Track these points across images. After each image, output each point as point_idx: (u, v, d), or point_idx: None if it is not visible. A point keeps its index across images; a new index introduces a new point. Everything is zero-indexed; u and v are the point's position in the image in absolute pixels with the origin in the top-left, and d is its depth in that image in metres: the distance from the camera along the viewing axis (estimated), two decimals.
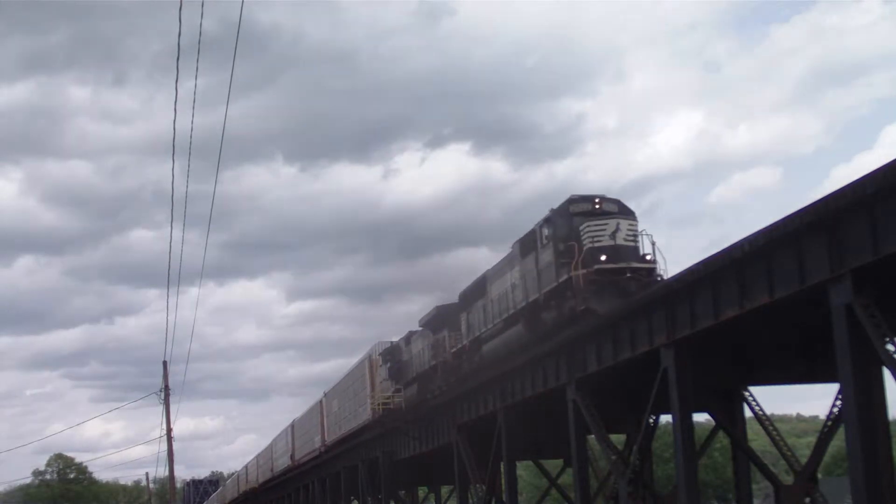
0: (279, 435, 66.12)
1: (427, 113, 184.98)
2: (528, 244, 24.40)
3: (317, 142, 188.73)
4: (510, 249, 25.94)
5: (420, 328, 34.52)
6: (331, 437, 48.55)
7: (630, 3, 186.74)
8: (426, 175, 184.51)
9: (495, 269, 27.09)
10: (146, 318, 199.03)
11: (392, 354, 37.59)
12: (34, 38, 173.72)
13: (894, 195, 12.35)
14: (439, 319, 31.68)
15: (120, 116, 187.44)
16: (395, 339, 38.56)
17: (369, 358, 41.45)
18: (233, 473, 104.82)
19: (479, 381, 26.45)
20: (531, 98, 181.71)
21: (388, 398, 36.61)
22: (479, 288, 28.28)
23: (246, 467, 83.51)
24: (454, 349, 30.00)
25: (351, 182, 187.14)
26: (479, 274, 28.97)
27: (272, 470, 67.14)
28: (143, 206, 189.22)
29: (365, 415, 40.27)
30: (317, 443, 51.99)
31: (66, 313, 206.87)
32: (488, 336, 27.15)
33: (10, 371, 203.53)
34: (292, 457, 59.23)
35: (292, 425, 60.69)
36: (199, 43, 16.34)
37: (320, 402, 51.67)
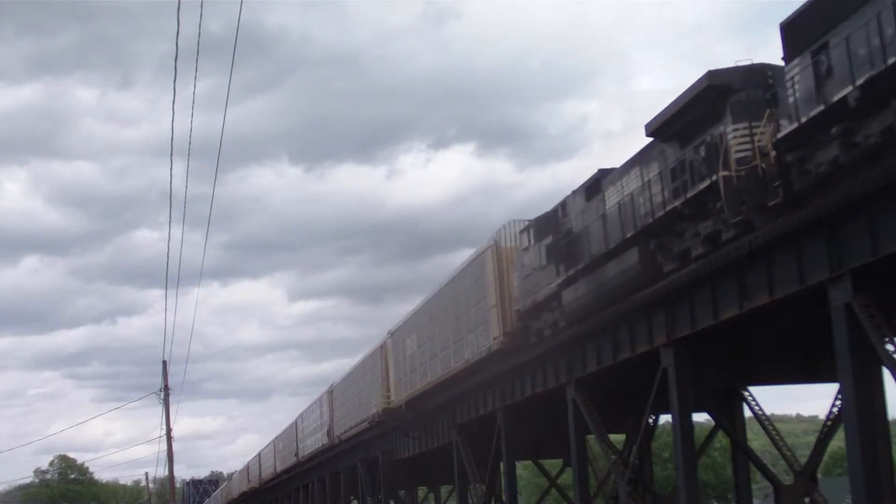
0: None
1: (432, 114, 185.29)
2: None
3: (322, 143, 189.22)
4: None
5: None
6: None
7: (635, 6, 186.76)
8: (430, 176, 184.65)
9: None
10: (149, 318, 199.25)
11: (549, 226, 22.73)
12: (42, 40, 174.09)
13: (894, 195, 12.34)
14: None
15: (126, 118, 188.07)
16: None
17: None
18: (233, 473, 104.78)
19: (478, 380, 26.43)
20: (536, 99, 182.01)
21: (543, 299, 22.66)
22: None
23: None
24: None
25: (355, 183, 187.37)
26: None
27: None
28: (147, 207, 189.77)
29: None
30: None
31: (69, 313, 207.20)
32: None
33: (12, 371, 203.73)
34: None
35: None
36: (198, 44, 16.31)
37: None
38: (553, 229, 22.32)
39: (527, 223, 23.97)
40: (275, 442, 65.72)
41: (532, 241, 23.14)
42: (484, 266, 25.58)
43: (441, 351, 29.00)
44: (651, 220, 17.65)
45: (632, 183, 18.53)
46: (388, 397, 35.37)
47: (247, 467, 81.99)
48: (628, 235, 18.37)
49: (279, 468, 62.94)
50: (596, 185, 20.45)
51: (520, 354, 23.74)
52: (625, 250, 18.46)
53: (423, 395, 31.12)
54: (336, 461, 46.61)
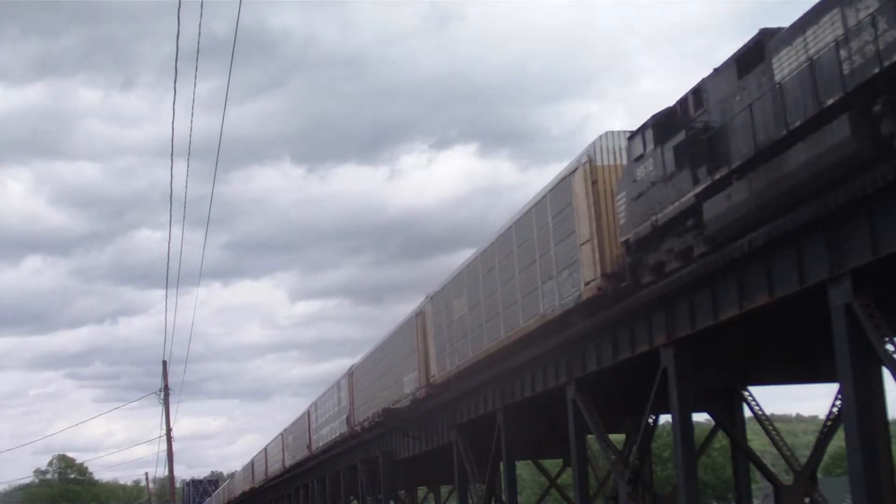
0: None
1: (434, 115, 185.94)
2: None
3: (324, 143, 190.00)
4: None
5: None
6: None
7: (639, 8, 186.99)
8: (432, 177, 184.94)
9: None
10: (151, 318, 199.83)
11: (674, 126, 17.31)
12: (45, 41, 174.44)
13: (894, 195, 12.34)
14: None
15: (129, 119, 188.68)
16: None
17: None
18: (233, 473, 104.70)
19: (479, 380, 26.43)
20: (538, 101, 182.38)
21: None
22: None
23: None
24: None
25: (357, 183, 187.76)
26: None
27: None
28: (149, 208, 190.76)
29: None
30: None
31: (71, 314, 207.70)
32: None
33: (14, 371, 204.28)
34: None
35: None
36: (198, 45, 16.34)
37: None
38: (681, 127, 16.89)
39: (639, 126, 18.34)
40: (283, 434, 61.31)
41: (650, 147, 17.72)
42: (570, 193, 19.85)
43: (504, 309, 23.53)
44: (877, 70, 12.38)
45: (826, 33, 13.54)
46: (429, 373, 29.81)
47: (251, 463, 78.28)
48: (829, 102, 13.23)
49: (289, 463, 58.71)
50: (755, 52, 15.25)
51: (522, 353, 23.59)
52: (821, 125, 13.40)
53: (473, 366, 26.25)
54: (336, 461, 46.54)
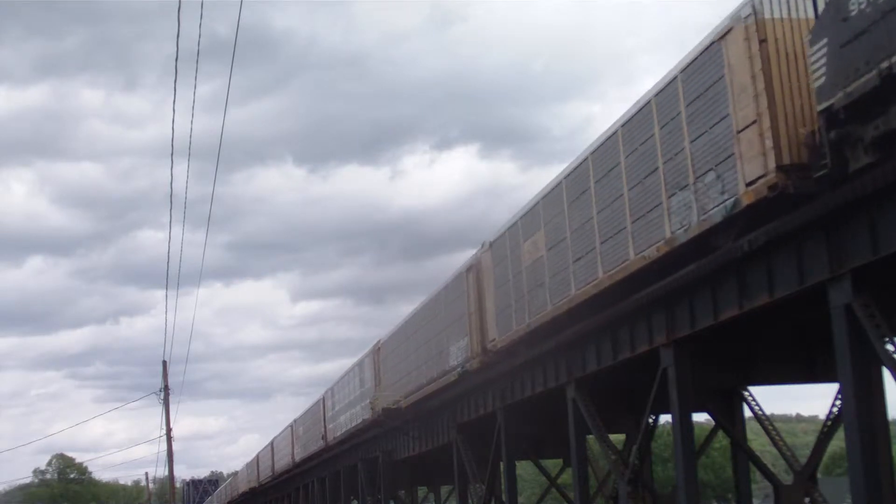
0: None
1: (436, 115, 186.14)
2: None
3: (327, 144, 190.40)
4: None
5: None
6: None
7: (641, 8, 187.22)
8: (434, 177, 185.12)
9: None
10: (152, 318, 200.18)
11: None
12: (48, 42, 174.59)
13: (894, 195, 12.34)
14: None
15: (131, 119, 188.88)
16: None
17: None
18: (233, 473, 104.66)
19: (479, 380, 26.43)
20: (540, 101, 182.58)
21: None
22: None
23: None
24: None
25: (359, 184, 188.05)
26: None
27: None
28: (151, 208, 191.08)
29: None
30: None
31: (72, 314, 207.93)
32: None
33: (15, 371, 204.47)
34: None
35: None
36: (198, 45, 16.34)
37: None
38: None
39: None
40: (293, 425, 56.52)
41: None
42: (721, 64, 15.08)
43: (603, 241, 18.45)
44: None
45: None
46: (485, 338, 24.74)
47: (256, 459, 74.33)
48: None
49: (299, 456, 54.14)
50: None
51: (518, 356, 23.58)
52: None
53: (553, 321, 20.98)
54: (336, 461, 46.49)
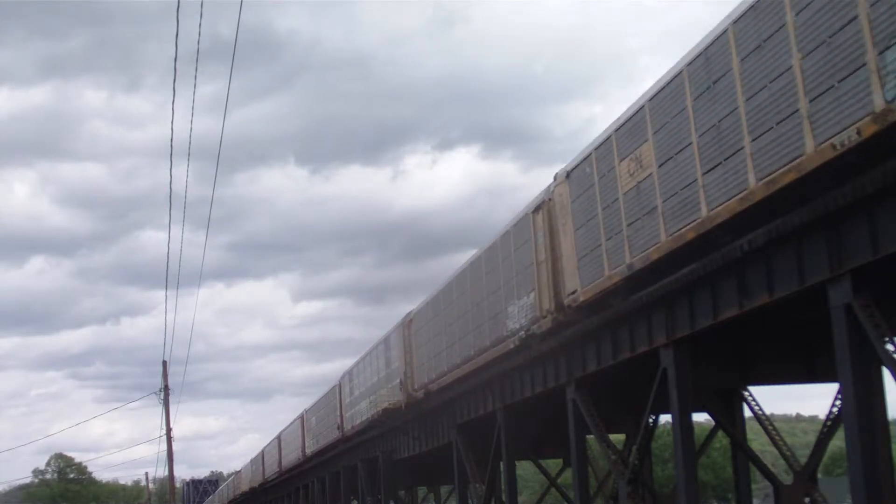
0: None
1: (438, 116, 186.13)
2: None
3: (329, 144, 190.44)
4: None
5: None
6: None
7: (643, 9, 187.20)
8: (436, 177, 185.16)
9: None
10: (153, 319, 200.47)
11: None
12: (51, 43, 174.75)
13: (894, 195, 12.34)
14: None
15: (134, 120, 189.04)
16: None
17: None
18: (234, 473, 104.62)
19: (479, 380, 26.43)
20: (541, 102, 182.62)
21: None
22: None
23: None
24: None
25: (360, 184, 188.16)
26: None
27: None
28: (153, 209, 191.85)
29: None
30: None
31: (74, 314, 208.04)
32: None
33: (16, 371, 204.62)
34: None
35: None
36: (198, 46, 16.35)
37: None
38: None
39: None
40: (304, 416, 51.58)
41: None
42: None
43: (754, 139, 13.50)
44: None
45: None
46: (562, 291, 19.96)
47: (261, 454, 69.89)
48: None
49: (311, 450, 49.69)
50: None
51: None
52: None
53: (669, 256, 16.22)
54: (335, 461, 46.49)
